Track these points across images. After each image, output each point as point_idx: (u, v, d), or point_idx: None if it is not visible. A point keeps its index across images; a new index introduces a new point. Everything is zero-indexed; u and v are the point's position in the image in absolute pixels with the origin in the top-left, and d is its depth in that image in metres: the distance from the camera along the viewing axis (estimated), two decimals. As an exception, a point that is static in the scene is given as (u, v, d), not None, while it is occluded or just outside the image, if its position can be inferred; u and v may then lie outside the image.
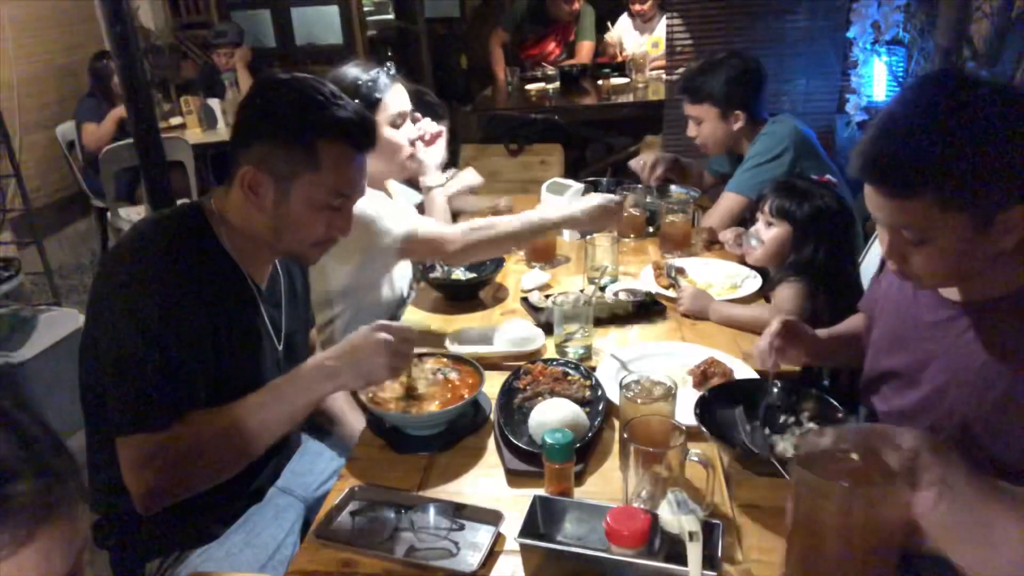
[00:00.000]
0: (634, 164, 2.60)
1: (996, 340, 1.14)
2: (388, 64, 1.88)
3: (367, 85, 1.79)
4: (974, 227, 1.04)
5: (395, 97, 1.86)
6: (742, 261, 2.06)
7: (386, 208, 1.82)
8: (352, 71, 1.82)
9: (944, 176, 1.01)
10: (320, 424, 1.66)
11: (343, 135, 1.27)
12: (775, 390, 1.35)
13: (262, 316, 1.38)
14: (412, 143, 1.92)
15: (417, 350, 1.55)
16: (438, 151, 2.30)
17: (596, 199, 1.90)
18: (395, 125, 1.87)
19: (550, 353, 1.69)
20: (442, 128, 2.25)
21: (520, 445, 1.30)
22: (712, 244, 2.27)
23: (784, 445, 1.28)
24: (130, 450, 1.18)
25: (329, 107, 1.26)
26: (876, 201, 1.09)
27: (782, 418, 1.32)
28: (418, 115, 2.10)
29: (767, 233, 1.88)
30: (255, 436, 1.24)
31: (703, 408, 1.29)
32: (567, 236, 2.38)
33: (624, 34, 4.98)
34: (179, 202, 3.36)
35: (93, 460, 1.36)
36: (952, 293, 1.21)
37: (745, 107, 2.30)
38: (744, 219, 2.28)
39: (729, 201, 2.29)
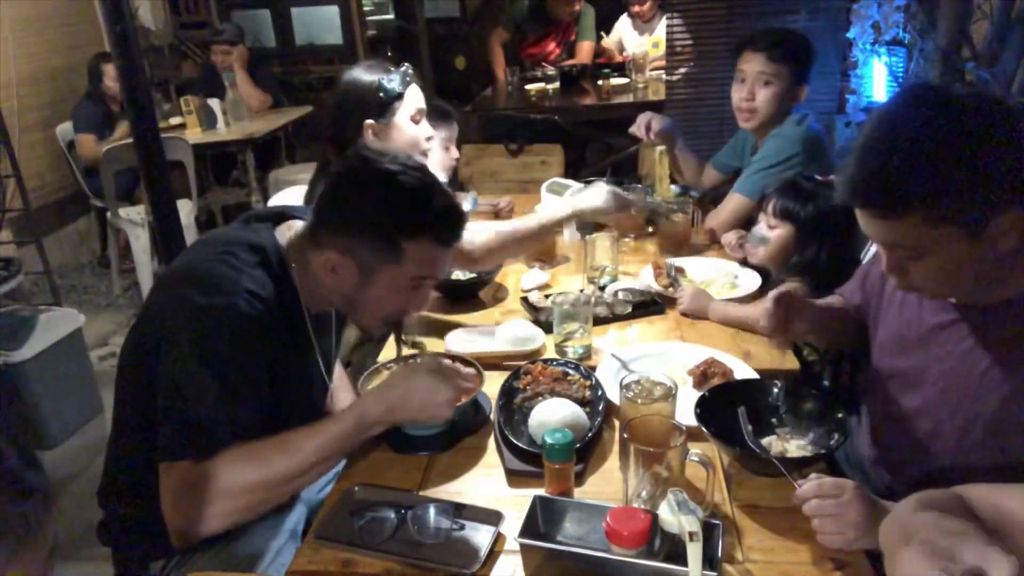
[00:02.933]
0: (633, 129, 2.52)
1: (1000, 343, 1.14)
2: (406, 64, 1.92)
3: (391, 80, 1.84)
4: (968, 236, 1.05)
5: (414, 94, 1.91)
6: (743, 262, 2.06)
7: None
8: (375, 70, 1.86)
9: (930, 192, 1.02)
10: None
11: (431, 236, 1.27)
12: (776, 390, 1.35)
13: (315, 353, 1.39)
14: (427, 140, 1.97)
15: (417, 350, 1.56)
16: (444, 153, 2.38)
17: (604, 188, 1.93)
18: (414, 120, 1.92)
19: (550, 353, 1.69)
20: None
21: (520, 445, 1.30)
22: (713, 243, 2.27)
23: (784, 445, 1.28)
24: (172, 477, 1.15)
25: (420, 207, 1.24)
26: (867, 223, 1.11)
27: (782, 418, 1.32)
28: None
29: (770, 234, 1.87)
30: (298, 475, 1.20)
31: (703, 408, 1.29)
32: (567, 236, 2.38)
33: (624, 34, 4.98)
34: (182, 203, 3.36)
35: (110, 463, 1.36)
36: (955, 297, 1.21)
37: (807, 83, 2.22)
38: (751, 220, 2.26)
39: (736, 203, 2.25)
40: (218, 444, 1.15)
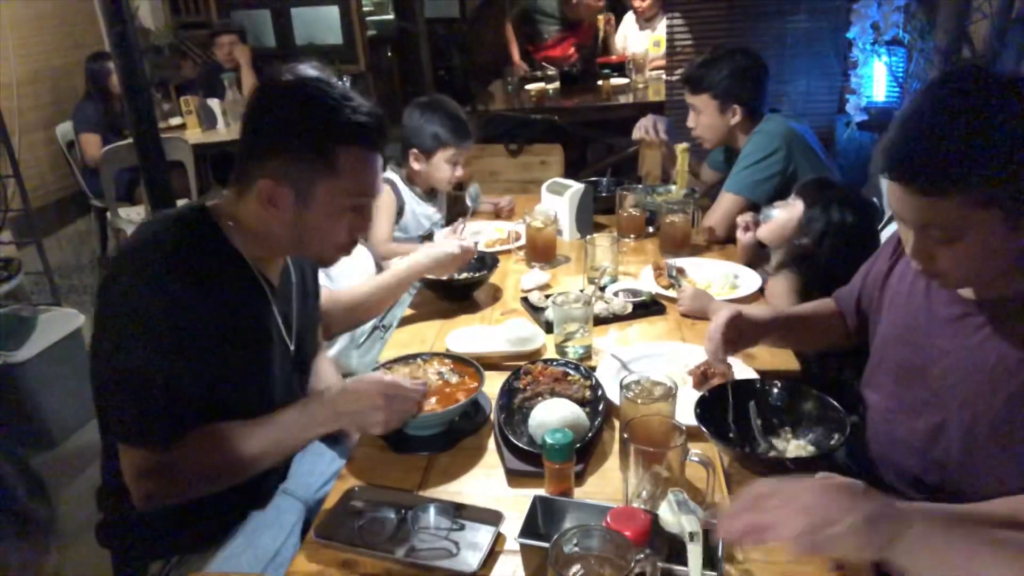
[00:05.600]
0: (639, 134, 2.59)
1: (1012, 338, 1.14)
2: (343, 78, 1.88)
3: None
4: (1004, 223, 1.04)
5: None
6: (743, 262, 2.06)
7: None
8: (307, 75, 1.82)
9: (979, 173, 1.01)
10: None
11: (360, 139, 1.25)
12: (776, 390, 1.35)
13: (274, 314, 1.37)
14: None
15: (418, 351, 1.56)
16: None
17: (446, 247, 1.90)
18: None
19: (550, 353, 1.69)
20: None
21: (520, 445, 1.30)
22: (712, 244, 2.27)
23: (784, 445, 1.28)
24: (132, 460, 1.19)
25: (343, 111, 1.23)
26: (905, 200, 1.08)
27: (782, 418, 1.32)
28: None
29: (782, 207, 1.90)
30: (255, 461, 1.25)
31: (703, 408, 1.29)
32: (567, 236, 2.38)
33: (628, 31, 4.99)
34: (181, 202, 3.37)
35: (105, 461, 1.36)
36: (966, 290, 1.20)
37: (743, 103, 2.31)
38: None
39: (727, 202, 2.30)
40: (172, 431, 1.18)
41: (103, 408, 1.27)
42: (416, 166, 2.46)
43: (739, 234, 2.10)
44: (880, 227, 2.05)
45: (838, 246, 1.78)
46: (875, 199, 2.08)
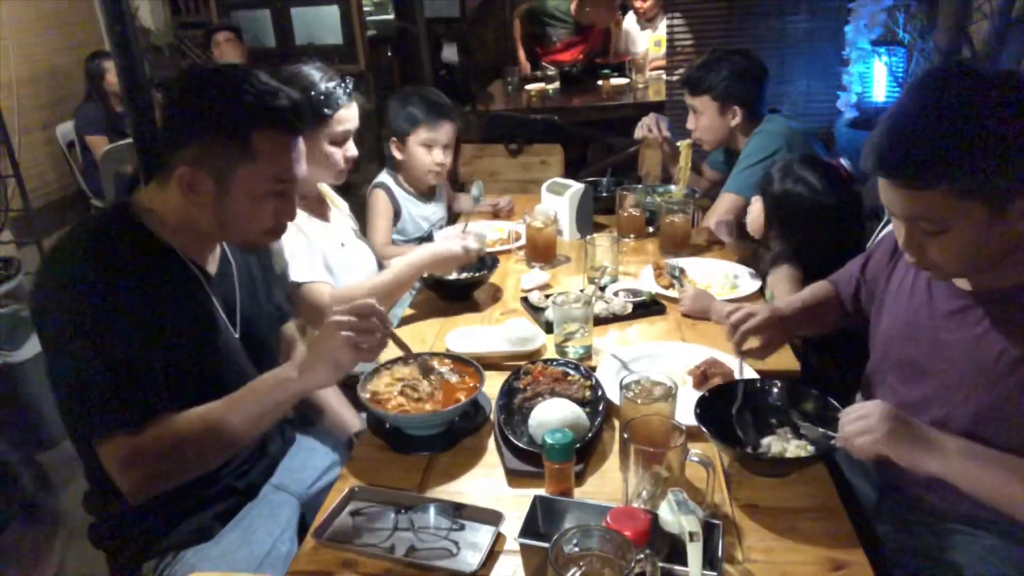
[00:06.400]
0: (642, 133, 2.60)
1: (1013, 329, 1.15)
2: (347, 79, 1.88)
3: (318, 98, 1.80)
4: (990, 214, 1.05)
5: (345, 114, 1.88)
6: (741, 261, 2.06)
7: (299, 251, 1.81)
8: (311, 76, 1.82)
9: (959, 165, 1.02)
10: (307, 415, 1.67)
11: (277, 123, 1.24)
12: (776, 390, 1.35)
13: (212, 302, 1.36)
14: (347, 160, 1.94)
15: (418, 351, 1.55)
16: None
17: (449, 246, 1.91)
18: (336, 142, 1.89)
19: (550, 353, 1.69)
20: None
21: (520, 445, 1.30)
22: (712, 244, 2.27)
23: (784, 445, 1.28)
24: (109, 451, 1.18)
25: (259, 96, 1.23)
26: (891, 194, 1.10)
27: (782, 418, 1.32)
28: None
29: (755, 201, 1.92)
30: (236, 432, 1.23)
31: (703, 408, 1.29)
32: (567, 236, 2.38)
33: (630, 29, 4.99)
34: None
35: (86, 466, 1.35)
36: (964, 283, 1.21)
37: (743, 104, 2.32)
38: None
39: (727, 201, 2.30)
40: (137, 413, 1.17)
41: (70, 414, 1.26)
42: (398, 155, 2.42)
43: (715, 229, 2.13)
44: (881, 226, 2.05)
45: (807, 222, 1.79)
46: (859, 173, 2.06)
